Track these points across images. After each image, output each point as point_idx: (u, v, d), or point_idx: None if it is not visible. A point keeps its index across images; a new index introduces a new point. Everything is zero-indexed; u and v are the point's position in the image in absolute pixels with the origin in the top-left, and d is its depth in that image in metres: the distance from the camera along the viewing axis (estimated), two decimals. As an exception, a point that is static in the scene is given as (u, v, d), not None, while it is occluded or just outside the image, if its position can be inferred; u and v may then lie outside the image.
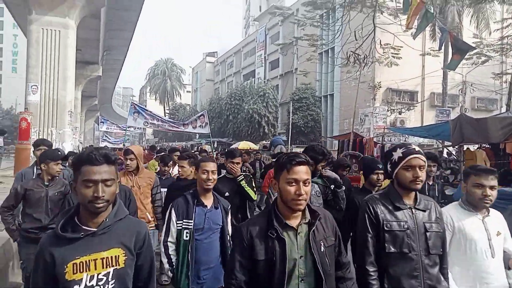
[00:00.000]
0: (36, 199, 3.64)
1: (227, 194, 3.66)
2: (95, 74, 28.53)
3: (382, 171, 3.58)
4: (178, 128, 13.93)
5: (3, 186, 10.38)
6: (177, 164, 4.82)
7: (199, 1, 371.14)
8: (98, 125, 12.76)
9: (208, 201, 3.02)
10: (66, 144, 14.99)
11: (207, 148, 29.33)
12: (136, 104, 13.05)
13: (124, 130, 23.65)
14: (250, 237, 1.88)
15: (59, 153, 3.90)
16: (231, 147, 26.98)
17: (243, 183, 3.80)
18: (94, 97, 39.64)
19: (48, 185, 3.70)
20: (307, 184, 1.87)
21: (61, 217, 1.65)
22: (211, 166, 3.04)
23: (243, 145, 24.81)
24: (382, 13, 11.95)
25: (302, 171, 1.87)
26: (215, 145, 32.37)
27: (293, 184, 1.85)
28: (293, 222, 1.91)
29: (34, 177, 3.95)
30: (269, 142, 27.72)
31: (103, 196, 1.58)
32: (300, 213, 1.92)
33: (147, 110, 13.08)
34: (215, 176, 3.07)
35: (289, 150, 26.12)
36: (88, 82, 28.81)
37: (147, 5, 24.46)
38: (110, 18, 21.64)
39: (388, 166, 2.29)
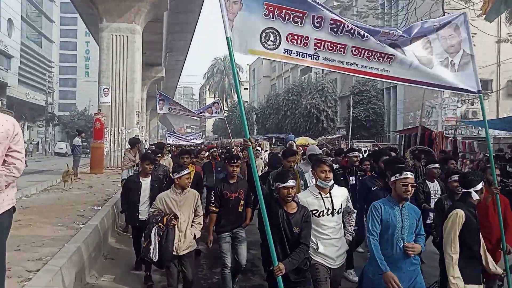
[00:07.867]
0: None
1: None
2: (159, 75, 29.94)
3: None
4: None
5: (82, 182, 11.28)
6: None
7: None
8: (157, 104, 11.62)
9: None
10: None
11: (265, 144, 29.40)
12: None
13: (198, 116, 21.33)
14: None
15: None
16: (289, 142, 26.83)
17: None
18: (158, 97, 41.64)
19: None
20: None
21: None
22: None
23: (301, 140, 24.48)
24: (452, -2, 11.09)
25: None
26: (273, 141, 32.45)
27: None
28: None
29: None
30: (329, 137, 27.28)
31: None
32: None
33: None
34: None
35: (349, 145, 25.39)
36: (152, 83, 30.34)
37: (206, 5, 25.08)
38: (172, 21, 22.54)
39: None
